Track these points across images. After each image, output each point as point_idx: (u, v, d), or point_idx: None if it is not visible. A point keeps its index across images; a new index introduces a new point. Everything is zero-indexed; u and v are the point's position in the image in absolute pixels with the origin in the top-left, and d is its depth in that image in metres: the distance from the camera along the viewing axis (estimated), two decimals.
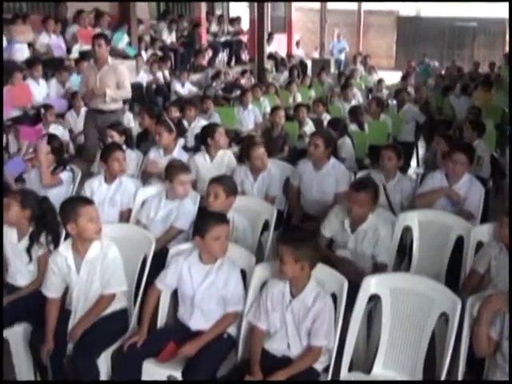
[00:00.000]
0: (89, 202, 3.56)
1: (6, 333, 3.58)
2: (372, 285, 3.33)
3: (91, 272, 3.47)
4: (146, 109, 7.18)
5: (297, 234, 3.51)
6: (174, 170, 4.49)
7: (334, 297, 3.28)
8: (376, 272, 3.78)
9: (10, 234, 3.86)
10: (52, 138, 5.21)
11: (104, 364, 3.39)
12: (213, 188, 4.18)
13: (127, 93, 6.92)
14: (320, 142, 5.09)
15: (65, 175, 5.12)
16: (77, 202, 3.53)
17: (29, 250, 3.78)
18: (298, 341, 3.21)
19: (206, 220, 3.48)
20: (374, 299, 3.44)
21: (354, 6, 24.80)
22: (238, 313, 3.43)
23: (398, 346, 3.29)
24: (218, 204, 4.12)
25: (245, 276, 3.53)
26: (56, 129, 7.61)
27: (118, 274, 3.52)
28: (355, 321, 3.28)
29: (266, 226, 4.43)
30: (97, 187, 4.81)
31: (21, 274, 3.86)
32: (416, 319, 3.24)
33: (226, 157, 5.69)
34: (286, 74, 14.38)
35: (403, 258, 4.39)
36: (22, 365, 3.66)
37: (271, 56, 16.36)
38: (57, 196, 4.64)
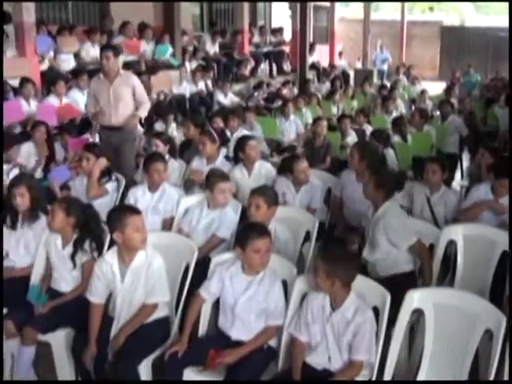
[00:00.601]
0: (136, 211, 3.58)
1: (49, 337, 3.66)
2: (415, 299, 3.28)
3: (135, 280, 3.51)
4: (191, 118, 7.21)
5: (335, 249, 3.46)
6: (213, 178, 4.53)
7: (376, 310, 3.25)
8: None
9: (55, 241, 3.93)
10: (98, 147, 5.30)
11: (145, 371, 3.42)
12: (254, 199, 4.18)
13: (147, 105, 6.55)
14: (356, 154, 5.09)
15: (110, 185, 5.22)
16: (124, 211, 3.57)
17: (73, 257, 3.85)
18: (339, 354, 3.18)
19: (247, 232, 3.48)
20: (417, 313, 3.40)
21: (397, 16, 24.67)
22: (279, 327, 3.42)
23: (440, 362, 3.23)
24: (260, 215, 4.12)
25: (286, 286, 3.52)
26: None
27: (162, 283, 3.55)
28: (397, 335, 3.24)
29: (307, 237, 4.42)
30: (141, 196, 4.88)
31: (65, 280, 3.93)
32: (460, 335, 3.17)
33: (262, 168, 5.70)
34: (328, 84, 14.36)
35: (447, 271, 4.32)
36: (64, 369, 3.72)
37: (313, 66, 16.35)
38: (102, 205, 4.74)
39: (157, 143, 5.96)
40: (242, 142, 5.75)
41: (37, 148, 6.70)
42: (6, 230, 4.27)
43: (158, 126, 8.66)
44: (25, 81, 7.49)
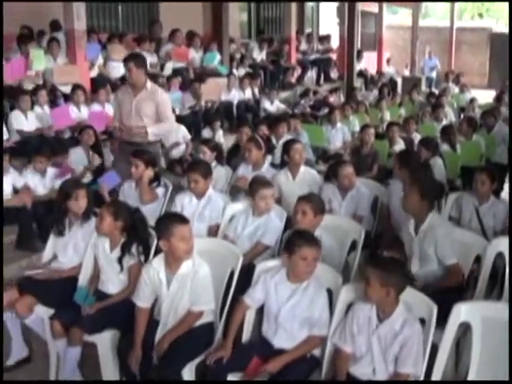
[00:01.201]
0: (183, 221, 3.58)
1: (95, 338, 3.72)
2: (463, 312, 3.22)
3: (181, 288, 3.55)
4: (247, 125, 7.23)
5: (386, 257, 3.44)
6: (255, 185, 4.56)
7: (422, 322, 3.20)
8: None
9: (103, 244, 4.01)
10: (148, 154, 5.38)
11: (188, 375, 3.45)
12: (301, 206, 4.17)
13: (170, 125, 6.11)
14: (397, 163, 5.06)
15: (159, 191, 5.29)
16: (172, 220, 3.58)
17: (120, 260, 3.91)
18: (384, 367, 3.14)
19: (296, 239, 3.48)
20: (464, 326, 3.34)
21: (446, 23, 24.34)
22: (323, 337, 3.40)
23: (488, 377, 3.16)
24: (306, 222, 4.11)
25: (331, 295, 3.51)
26: None
27: (208, 292, 3.57)
28: (444, 349, 3.17)
29: (353, 246, 4.39)
30: (187, 202, 4.92)
31: (112, 283, 4.00)
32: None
33: (308, 174, 5.70)
34: (375, 91, 14.25)
35: (495, 284, 4.23)
36: (109, 370, 3.76)
37: (361, 74, 16.26)
38: (150, 209, 4.82)
39: (204, 150, 6.01)
40: (288, 145, 5.78)
41: (86, 153, 6.86)
42: (53, 237, 4.38)
43: (206, 133, 8.75)
44: (75, 87, 7.65)
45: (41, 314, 4.00)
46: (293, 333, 3.43)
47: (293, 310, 3.42)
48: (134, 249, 3.94)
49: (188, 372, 3.44)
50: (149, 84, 5.88)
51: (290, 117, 9.02)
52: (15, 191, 6.04)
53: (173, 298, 3.57)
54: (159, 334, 3.55)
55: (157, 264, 3.61)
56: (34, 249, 5.73)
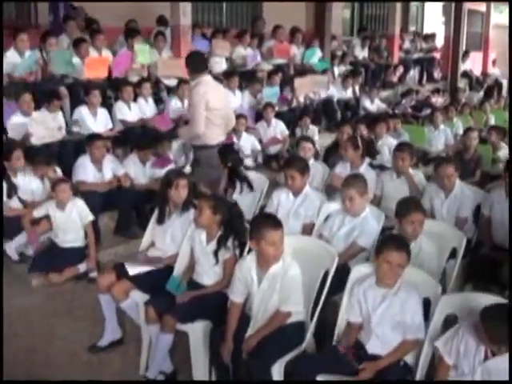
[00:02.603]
0: (277, 226, 3.54)
1: (188, 327, 3.77)
2: None
3: (271, 287, 3.54)
4: (349, 123, 7.16)
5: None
6: (343, 185, 4.49)
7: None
8: None
9: (200, 236, 4.06)
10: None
11: (277, 373, 3.42)
12: (347, 192, 4.27)
13: (192, 129, 5.66)
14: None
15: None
16: (265, 222, 3.55)
17: (216, 253, 3.95)
18: None
19: (385, 241, 3.46)
20: None
21: None
22: (418, 341, 3.30)
23: None
24: (356, 206, 4.31)
25: (429, 305, 3.39)
26: (247, 138, 7.94)
27: (297, 293, 3.54)
28: None
29: (452, 254, 4.22)
30: (284, 199, 4.91)
31: (207, 275, 4.04)
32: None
33: (415, 176, 5.53)
34: (480, 93, 13.71)
35: None
36: (199, 360, 3.81)
37: (465, 74, 15.69)
38: (245, 202, 4.86)
39: (309, 147, 5.98)
40: (396, 146, 5.71)
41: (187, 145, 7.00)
42: (152, 223, 4.48)
43: (298, 130, 8.72)
44: (181, 81, 7.80)
45: (136, 299, 4.11)
46: (385, 338, 3.35)
47: (384, 314, 3.35)
48: (229, 242, 3.96)
49: (277, 370, 3.42)
50: (192, 83, 5.76)
51: (390, 117, 8.84)
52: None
53: (263, 296, 3.57)
54: (251, 330, 3.56)
55: (250, 261, 3.62)
56: (132, 235, 5.92)
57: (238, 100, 8.96)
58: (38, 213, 5.44)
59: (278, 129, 8.44)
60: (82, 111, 7.02)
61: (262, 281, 3.56)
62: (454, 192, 5.04)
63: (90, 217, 5.51)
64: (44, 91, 6.86)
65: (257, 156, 8.07)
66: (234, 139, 7.42)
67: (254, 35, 10.68)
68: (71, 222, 5.42)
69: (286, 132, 8.50)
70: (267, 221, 3.60)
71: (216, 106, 5.63)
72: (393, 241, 3.47)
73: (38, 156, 5.88)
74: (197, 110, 5.54)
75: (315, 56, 11.22)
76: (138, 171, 6.41)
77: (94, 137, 6.22)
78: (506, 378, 2.88)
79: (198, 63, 5.75)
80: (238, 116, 7.94)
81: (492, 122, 10.30)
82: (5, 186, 5.53)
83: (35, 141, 6.27)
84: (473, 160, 6.91)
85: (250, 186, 5.66)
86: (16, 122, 6.36)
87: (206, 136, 5.61)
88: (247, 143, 7.87)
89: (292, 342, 3.56)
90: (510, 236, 3.92)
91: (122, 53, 8.34)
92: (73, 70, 7.56)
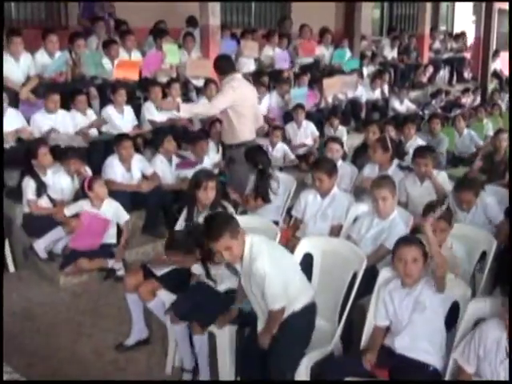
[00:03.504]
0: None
1: (215, 329, 3.75)
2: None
3: (247, 283, 3.49)
4: (375, 123, 7.12)
5: None
6: (373, 185, 4.43)
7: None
8: None
9: None
10: None
11: (303, 373, 3.39)
12: (379, 193, 4.26)
13: (211, 107, 5.99)
14: None
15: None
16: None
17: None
18: None
19: (396, 242, 3.47)
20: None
21: None
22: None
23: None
24: (388, 207, 4.31)
25: (458, 308, 3.33)
26: (280, 148, 7.82)
27: (270, 288, 3.35)
28: None
29: (482, 257, 4.14)
30: (311, 200, 4.89)
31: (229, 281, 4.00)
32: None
33: (439, 176, 5.44)
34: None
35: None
36: (225, 363, 3.79)
37: (495, 74, 15.44)
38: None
39: (336, 148, 5.96)
40: (415, 152, 5.60)
41: (215, 146, 7.01)
42: (180, 223, 4.47)
43: (328, 131, 8.67)
44: (208, 81, 7.82)
45: (163, 299, 4.11)
46: (416, 337, 3.30)
47: (411, 313, 3.31)
48: None
49: (303, 371, 3.39)
50: (224, 80, 5.86)
51: (430, 118, 8.70)
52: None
53: (246, 289, 3.52)
54: (260, 324, 3.52)
55: None
56: (160, 235, 5.94)
57: (267, 101, 8.92)
58: (69, 211, 5.47)
59: (309, 130, 8.39)
60: (109, 111, 7.07)
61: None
62: (473, 210, 4.86)
63: (126, 216, 5.59)
64: (72, 92, 6.93)
65: (285, 157, 7.99)
66: (269, 148, 7.42)
67: (281, 35, 10.63)
68: None
69: (317, 133, 8.45)
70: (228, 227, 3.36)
71: (249, 102, 5.80)
72: (402, 239, 3.50)
73: (69, 151, 5.90)
74: (224, 95, 5.74)
75: (345, 56, 11.14)
76: (166, 170, 6.43)
77: (121, 137, 6.24)
78: None
79: (226, 66, 5.86)
80: (275, 127, 7.96)
81: None
82: (34, 184, 5.59)
83: (53, 141, 6.24)
84: (503, 162, 6.78)
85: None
86: (38, 119, 6.42)
87: (240, 132, 5.77)
88: (279, 153, 7.78)
89: (301, 334, 3.50)
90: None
91: (151, 53, 8.39)
92: (103, 71, 7.61)
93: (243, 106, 5.73)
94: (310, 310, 3.57)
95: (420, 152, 5.53)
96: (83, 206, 5.45)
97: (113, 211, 5.51)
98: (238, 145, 5.84)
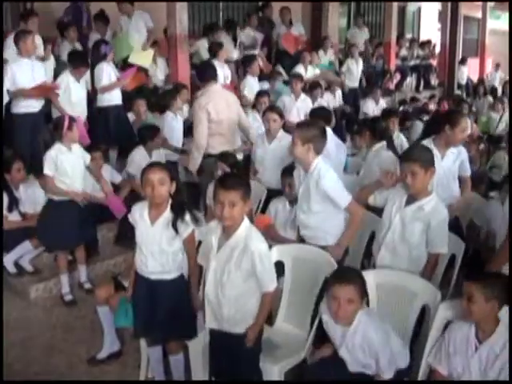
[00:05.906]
0: (226, 187, 3.19)
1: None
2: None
3: (228, 257, 3.29)
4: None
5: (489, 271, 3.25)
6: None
7: None
8: None
9: None
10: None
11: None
12: (408, 168, 3.82)
13: (196, 141, 5.75)
14: None
15: None
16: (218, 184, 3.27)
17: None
18: None
19: (330, 276, 3.37)
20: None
21: None
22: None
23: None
24: (419, 183, 3.81)
25: (427, 312, 3.38)
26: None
27: (265, 268, 3.22)
28: None
29: (451, 261, 4.18)
30: (281, 208, 4.89)
31: None
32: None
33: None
34: (489, 99, 13.74)
35: None
36: (198, 370, 3.77)
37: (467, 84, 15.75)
38: None
39: (274, 118, 5.69)
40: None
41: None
42: None
43: None
44: (180, 86, 7.78)
45: None
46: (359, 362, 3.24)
47: (349, 355, 3.23)
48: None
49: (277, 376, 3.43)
50: (198, 93, 5.96)
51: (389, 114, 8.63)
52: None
53: (217, 266, 3.31)
54: (209, 317, 3.40)
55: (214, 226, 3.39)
56: (133, 246, 5.87)
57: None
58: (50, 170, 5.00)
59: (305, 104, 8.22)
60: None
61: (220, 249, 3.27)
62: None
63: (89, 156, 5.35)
64: None
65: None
66: None
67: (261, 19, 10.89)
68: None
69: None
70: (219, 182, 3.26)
71: (218, 118, 5.67)
72: (337, 273, 3.32)
73: None
74: (198, 122, 5.65)
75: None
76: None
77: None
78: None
79: (205, 73, 5.87)
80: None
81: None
82: (6, 198, 5.52)
83: None
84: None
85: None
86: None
87: (209, 145, 5.68)
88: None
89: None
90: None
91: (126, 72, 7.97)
92: None
93: (217, 123, 5.66)
94: None
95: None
96: (60, 148, 5.02)
97: (80, 154, 5.24)
98: (204, 156, 5.74)
